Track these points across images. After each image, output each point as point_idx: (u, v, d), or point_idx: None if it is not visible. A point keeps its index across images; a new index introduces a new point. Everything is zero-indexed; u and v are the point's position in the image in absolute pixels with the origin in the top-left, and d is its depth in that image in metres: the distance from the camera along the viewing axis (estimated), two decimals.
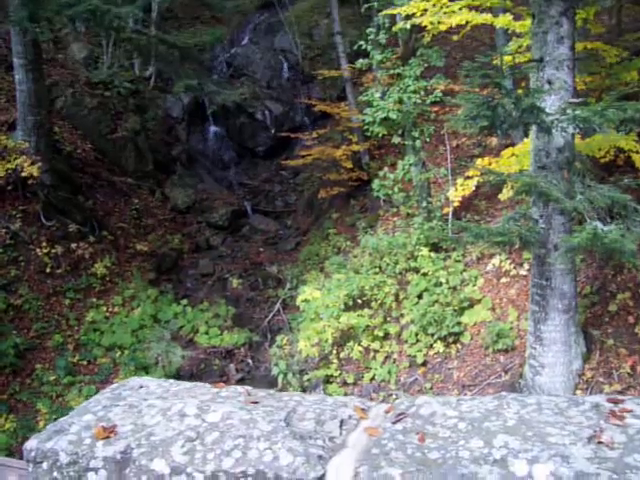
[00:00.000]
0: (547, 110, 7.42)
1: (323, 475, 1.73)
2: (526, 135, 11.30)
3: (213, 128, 23.03)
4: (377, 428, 1.87)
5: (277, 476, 1.73)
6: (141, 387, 2.26)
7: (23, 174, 13.66)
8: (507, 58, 8.50)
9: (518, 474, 1.60)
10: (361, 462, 1.73)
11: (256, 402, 2.06)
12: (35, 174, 13.63)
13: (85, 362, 13.19)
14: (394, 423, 1.89)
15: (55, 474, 1.93)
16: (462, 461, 1.66)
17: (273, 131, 22.50)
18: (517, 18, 11.18)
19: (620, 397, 1.92)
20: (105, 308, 14.41)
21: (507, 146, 12.56)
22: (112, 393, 2.24)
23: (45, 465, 1.95)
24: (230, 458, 1.78)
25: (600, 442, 1.67)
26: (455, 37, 12.71)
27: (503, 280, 12.03)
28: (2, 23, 17.77)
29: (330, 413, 1.97)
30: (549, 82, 7.80)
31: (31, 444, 1.98)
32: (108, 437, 1.93)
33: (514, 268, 11.97)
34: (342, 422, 1.93)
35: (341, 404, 2.04)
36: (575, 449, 1.65)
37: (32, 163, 13.77)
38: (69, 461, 1.92)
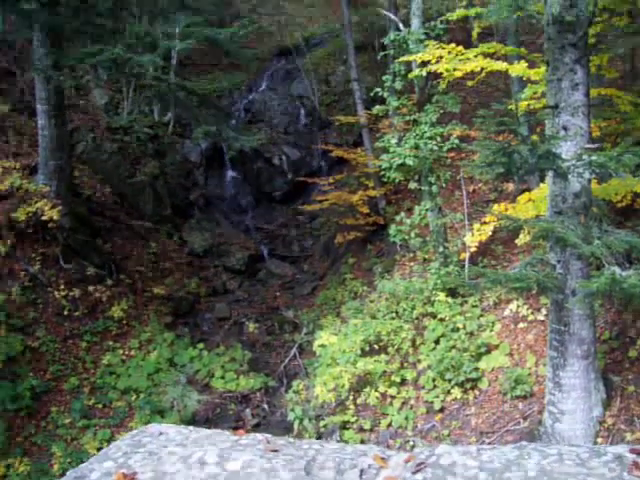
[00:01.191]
0: (563, 156, 7.46)
1: None
2: (542, 180, 11.33)
3: (231, 173, 23.29)
4: (397, 478, 1.87)
5: None
6: (161, 434, 2.27)
7: (43, 217, 13.82)
8: (522, 104, 8.57)
9: None
10: None
11: (276, 450, 2.06)
12: (55, 217, 13.80)
13: (100, 405, 13.17)
14: (414, 473, 1.89)
15: None
16: None
17: (290, 176, 22.70)
18: (532, 65, 11.31)
19: None
20: (121, 351, 14.43)
21: (523, 191, 12.60)
22: (132, 440, 2.25)
23: None
24: None
25: None
26: (470, 82, 12.84)
27: (520, 325, 11.95)
28: (26, 71, 18.19)
29: (350, 462, 1.97)
30: (564, 128, 7.85)
31: None
32: None
33: (531, 313, 11.90)
34: (362, 471, 1.93)
35: (361, 453, 2.04)
36: None
37: (53, 207, 13.95)
38: None
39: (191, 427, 2.34)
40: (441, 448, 1.99)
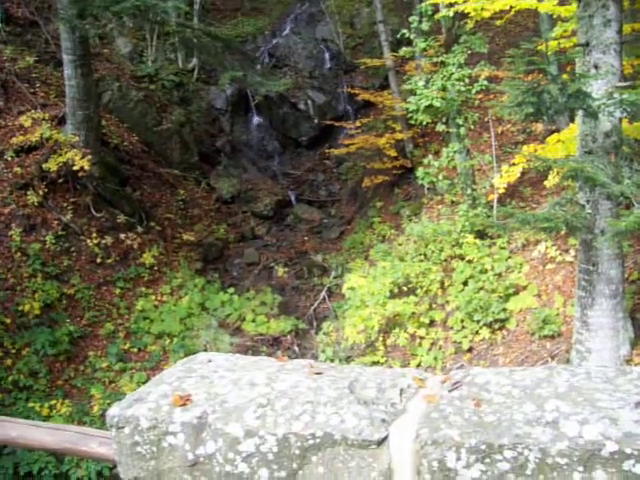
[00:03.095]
0: (594, 95, 7.40)
1: (386, 436, 1.87)
2: (572, 120, 11.24)
3: (256, 119, 23.27)
4: (435, 395, 2.00)
5: (344, 437, 1.87)
6: (210, 361, 2.42)
7: (74, 167, 13.98)
8: (552, 43, 8.47)
9: (569, 434, 1.71)
10: (421, 425, 1.86)
11: (320, 373, 2.20)
12: (86, 167, 13.95)
13: (136, 349, 13.50)
14: (450, 391, 2.01)
15: (136, 437, 2.10)
16: (516, 423, 1.78)
17: (316, 121, 22.62)
18: (562, 2, 11.11)
19: None
20: (154, 297, 14.71)
21: (552, 132, 12.51)
22: (183, 366, 2.40)
23: (127, 430, 2.12)
24: (299, 422, 1.93)
25: None
26: (498, 22, 12.66)
27: (549, 266, 12.01)
28: (50, 22, 18.20)
29: (390, 382, 2.10)
30: (596, 66, 7.77)
31: (114, 411, 2.15)
32: (184, 404, 2.09)
33: (560, 254, 11.94)
34: (402, 390, 2.06)
35: (400, 374, 2.17)
36: (623, 413, 1.75)
37: (82, 156, 14.08)
38: (149, 426, 2.08)
39: (237, 355, 2.48)
40: (475, 369, 2.12)
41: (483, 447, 1.73)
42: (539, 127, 14.21)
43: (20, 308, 12.40)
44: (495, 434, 1.75)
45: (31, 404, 11.27)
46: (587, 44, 7.78)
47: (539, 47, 7.99)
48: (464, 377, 2.08)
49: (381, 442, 1.85)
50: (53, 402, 11.52)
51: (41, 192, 14.17)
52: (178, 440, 2.04)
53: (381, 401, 1.99)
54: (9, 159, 14.30)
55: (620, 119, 7.87)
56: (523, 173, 12.82)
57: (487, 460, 1.74)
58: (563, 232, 9.48)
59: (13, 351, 11.88)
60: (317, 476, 1.91)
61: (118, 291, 14.40)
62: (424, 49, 13.60)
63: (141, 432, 2.09)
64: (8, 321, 12.11)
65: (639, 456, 1.64)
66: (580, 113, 7.69)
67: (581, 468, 1.68)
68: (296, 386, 2.09)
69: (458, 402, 1.92)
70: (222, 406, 2.05)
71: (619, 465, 1.66)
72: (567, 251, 11.89)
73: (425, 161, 14.07)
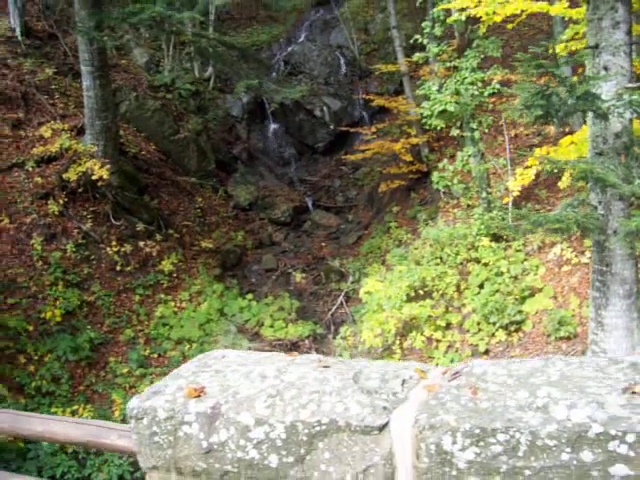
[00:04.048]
0: (603, 96, 7.47)
1: (387, 422, 1.99)
2: (585, 122, 11.29)
3: (273, 126, 23.47)
4: (435, 385, 2.11)
5: (348, 424, 1.99)
6: (224, 357, 2.55)
7: (93, 177, 14.22)
8: (560, 46, 8.55)
9: (558, 417, 1.82)
10: (420, 411, 1.97)
11: (327, 366, 2.32)
12: (104, 176, 14.17)
13: (156, 355, 13.68)
14: (449, 381, 2.13)
15: (154, 428, 2.24)
16: (509, 408, 1.89)
17: (332, 127, 22.76)
18: (574, 4, 11.17)
19: None
20: (173, 303, 14.89)
21: (567, 134, 12.56)
22: (199, 362, 2.54)
23: (145, 420, 2.25)
24: (306, 410, 2.05)
25: (634, 392, 1.87)
26: (510, 26, 12.73)
27: (565, 268, 12.05)
28: (68, 34, 18.50)
29: (393, 373, 2.22)
30: (605, 68, 7.83)
31: (133, 403, 2.29)
32: (199, 396, 2.22)
33: (575, 256, 11.98)
34: (404, 381, 2.17)
35: (403, 367, 2.29)
36: (610, 398, 1.86)
37: (101, 166, 14.32)
38: (166, 416, 2.22)
39: (250, 351, 2.61)
40: (475, 362, 2.23)
41: (477, 431, 1.85)
42: (553, 129, 14.26)
43: (42, 315, 12.62)
44: (489, 419, 1.86)
45: (54, 409, 11.45)
46: (596, 46, 7.85)
47: (551, 50, 8.08)
48: (463, 368, 2.19)
49: (382, 428, 1.97)
50: (75, 407, 11.70)
51: (61, 201, 14.42)
52: (193, 429, 2.17)
53: (383, 390, 2.11)
54: (30, 169, 14.57)
55: (631, 120, 7.92)
56: (538, 175, 12.88)
57: (481, 443, 1.85)
58: (578, 234, 9.54)
59: (36, 357, 12.09)
60: (323, 461, 2.03)
61: (138, 298, 14.60)
62: (437, 54, 13.71)
63: (159, 422, 2.22)
64: (30, 328, 12.34)
65: (623, 437, 1.74)
66: (590, 115, 7.75)
67: (569, 449, 1.78)
68: (304, 377, 2.22)
69: (456, 390, 2.04)
70: (234, 397, 2.18)
71: (605, 446, 1.76)
72: (583, 253, 11.92)
73: (440, 165, 14.17)
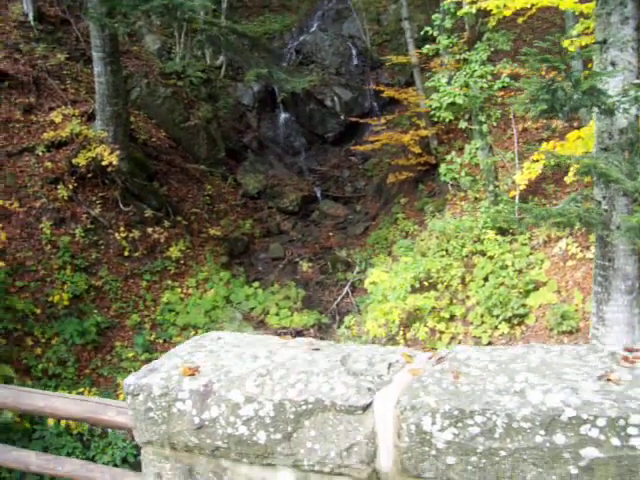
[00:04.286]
0: (610, 92, 7.49)
1: (371, 403, 2.07)
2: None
3: (283, 115, 23.50)
4: (420, 369, 2.19)
5: (333, 403, 2.07)
6: (219, 338, 2.64)
7: (103, 162, 14.32)
8: (566, 41, 8.56)
9: (533, 401, 1.89)
10: (403, 393, 2.05)
11: (317, 349, 2.41)
12: (114, 162, 14.27)
13: (161, 340, 13.80)
14: (434, 365, 2.21)
15: (149, 404, 2.33)
16: (488, 392, 1.97)
17: (342, 117, 22.78)
18: None
19: (637, 347, 2.18)
20: (180, 290, 15.01)
21: (576, 129, 12.56)
22: (195, 342, 2.63)
23: (141, 397, 2.35)
24: (294, 389, 2.14)
25: (609, 380, 1.95)
26: (520, 20, 12.73)
27: (569, 263, 12.09)
28: (80, 20, 18.59)
29: (380, 357, 2.30)
30: (613, 64, 7.85)
31: (130, 380, 2.38)
32: (193, 374, 2.31)
33: (581, 251, 12.02)
34: (390, 365, 2.25)
35: (390, 351, 2.37)
36: (585, 384, 1.93)
37: (111, 152, 14.42)
38: (161, 393, 2.31)
39: (245, 333, 2.69)
40: (460, 347, 2.31)
41: (456, 412, 1.93)
42: (561, 124, 14.26)
43: (50, 299, 12.76)
44: (468, 401, 1.94)
45: (60, 391, 11.58)
46: (604, 41, 7.86)
47: (566, 44, 8.09)
48: (448, 353, 2.27)
49: (366, 408, 2.06)
50: (81, 390, 11.84)
51: (71, 186, 14.54)
52: (186, 406, 2.27)
53: (369, 373, 2.19)
54: (40, 154, 14.69)
55: (637, 116, 7.94)
56: (546, 169, 12.89)
57: (459, 424, 1.93)
58: (580, 228, 9.57)
59: (43, 340, 12.24)
60: (309, 438, 2.11)
61: (145, 283, 14.72)
62: (447, 46, 13.72)
63: (154, 399, 2.32)
64: (38, 311, 12.48)
65: (594, 421, 1.82)
66: (596, 110, 7.78)
67: (542, 432, 1.86)
68: (294, 358, 2.31)
69: (439, 374, 2.12)
70: (226, 376, 2.27)
71: (577, 429, 1.84)
72: (588, 248, 11.95)
73: (448, 158, 14.19)
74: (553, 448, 1.85)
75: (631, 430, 1.79)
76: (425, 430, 1.96)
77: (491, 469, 1.90)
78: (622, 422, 1.80)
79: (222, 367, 2.34)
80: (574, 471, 1.84)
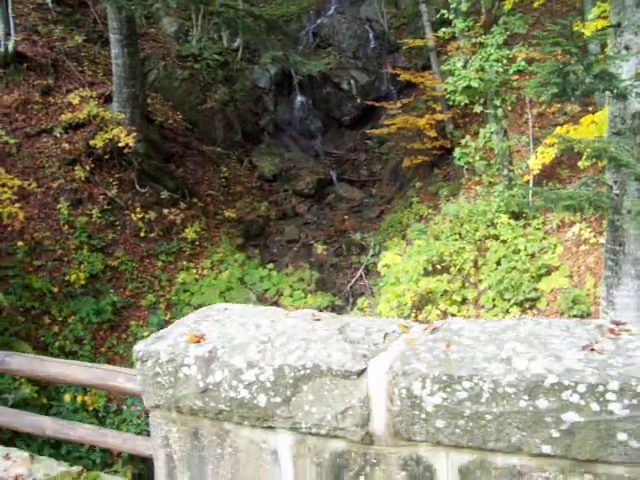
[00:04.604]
0: (624, 76, 7.50)
1: (365, 368, 2.18)
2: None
3: (300, 98, 23.50)
4: (414, 339, 2.29)
5: (329, 368, 2.18)
6: (226, 309, 2.76)
7: (119, 144, 14.46)
8: (578, 25, 8.55)
9: (518, 368, 1.99)
10: (396, 360, 2.16)
11: (319, 319, 2.52)
12: (131, 144, 14.41)
13: (175, 320, 13.95)
14: (428, 335, 2.31)
15: (157, 369, 2.46)
16: (476, 360, 2.07)
17: (359, 100, 22.75)
18: None
19: (624, 321, 2.27)
20: (195, 270, 15.17)
21: (592, 114, 12.53)
22: (202, 313, 2.75)
23: (150, 362, 2.47)
24: (293, 355, 2.25)
25: (592, 350, 2.04)
26: (536, 4, 12.68)
27: (582, 248, 12.11)
28: (98, 2, 18.68)
29: (377, 327, 2.41)
30: (627, 47, 7.84)
31: (139, 347, 2.51)
32: (199, 342, 2.43)
33: (594, 236, 12.03)
34: (386, 334, 2.36)
35: (388, 322, 2.48)
36: (569, 353, 2.03)
37: (128, 133, 14.55)
38: (168, 359, 2.44)
39: (251, 305, 2.80)
40: (454, 319, 2.40)
41: (444, 378, 2.03)
42: (577, 108, 14.22)
43: (67, 278, 12.97)
44: (457, 367, 2.04)
45: None
46: (619, 25, 7.85)
47: (576, 27, 8.07)
48: (443, 325, 2.37)
49: (360, 373, 2.16)
50: None
51: (88, 168, 14.70)
52: (192, 371, 2.39)
53: (365, 341, 2.30)
54: (58, 135, 14.85)
55: None
56: (561, 154, 12.89)
57: (448, 389, 2.03)
58: (594, 213, 9.59)
59: (60, 318, 12.45)
60: (307, 402, 2.22)
61: (160, 264, 14.89)
62: (463, 29, 13.69)
63: (161, 364, 2.44)
64: (55, 290, 12.69)
65: (575, 387, 1.91)
66: (608, 94, 7.79)
67: (526, 397, 1.96)
68: (294, 327, 2.42)
69: (431, 343, 2.22)
70: (230, 343, 2.39)
71: (559, 395, 1.93)
72: (601, 233, 11.95)
73: (462, 142, 14.20)
74: (536, 412, 1.95)
75: (610, 396, 1.88)
76: (415, 394, 2.06)
77: (478, 432, 2.01)
78: (601, 388, 1.89)
79: (226, 335, 2.45)
80: (556, 434, 1.93)
